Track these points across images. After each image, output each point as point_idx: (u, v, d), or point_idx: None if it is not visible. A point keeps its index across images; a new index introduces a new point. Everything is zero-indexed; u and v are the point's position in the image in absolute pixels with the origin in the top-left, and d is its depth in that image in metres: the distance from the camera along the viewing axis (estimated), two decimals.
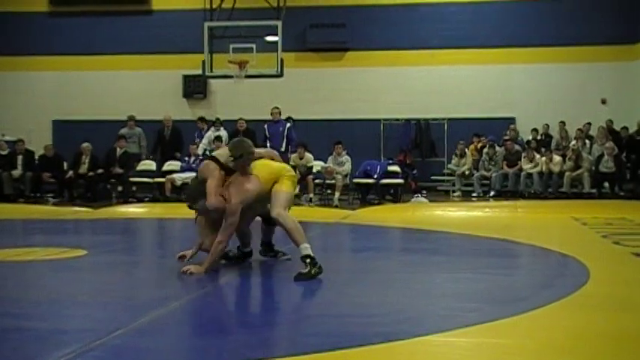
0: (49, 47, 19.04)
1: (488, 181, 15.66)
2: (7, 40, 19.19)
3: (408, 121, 17.85)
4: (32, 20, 19.25)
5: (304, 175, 13.92)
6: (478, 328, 4.05)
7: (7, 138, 16.35)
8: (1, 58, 19.25)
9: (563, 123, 16.61)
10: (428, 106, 17.73)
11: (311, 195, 13.93)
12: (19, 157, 15.29)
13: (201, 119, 16.61)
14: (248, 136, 15.28)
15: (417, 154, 17.68)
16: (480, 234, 8.84)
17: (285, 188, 5.70)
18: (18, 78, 19.24)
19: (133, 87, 18.70)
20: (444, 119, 17.72)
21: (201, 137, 16.00)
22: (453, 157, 16.63)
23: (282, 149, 14.96)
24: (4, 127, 17.87)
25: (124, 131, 16.00)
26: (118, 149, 15.19)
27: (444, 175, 17.11)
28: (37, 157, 15.59)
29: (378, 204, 14.04)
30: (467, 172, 16.09)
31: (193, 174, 14.14)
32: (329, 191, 14.71)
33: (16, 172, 15.02)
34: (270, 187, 5.72)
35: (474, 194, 15.49)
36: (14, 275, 6.14)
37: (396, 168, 15.27)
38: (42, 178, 15.07)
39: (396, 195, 15.01)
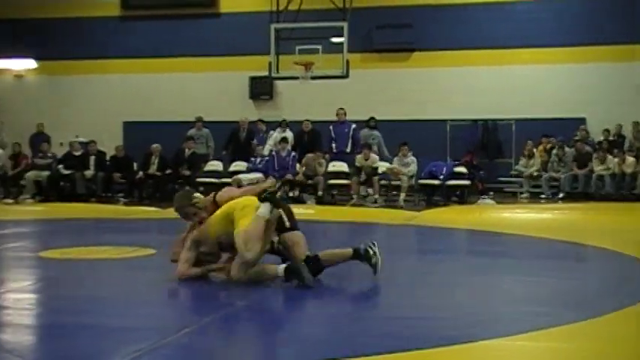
0: (120, 51, 19.48)
1: (557, 183, 15.35)
2: (80, 45, 19.71)
3: (474, 121, 17.64)
4: (104, 25, 19.72)
5: (370, 175, 13.89)
6: (548, 332, 3.96)
7: (81, 139, 16.73)
8: (74, 62, 19.80)
9: (636, 123, 16.16)
10: (495, 106, 17.47)
11: (376, 196, 13.88)
12: (92, 158, 15.63)
13: (260, 121, 16.74)
14: (313, 137, 15.42)
15: (483, 155, 17.44)
16: (549, 236, 8.67)
17: (236, 230, 5.17)
18: (90, 81, 19.74)
19: (200, 89, 18.96)
20: (511, 120, 17.44)
21: (260, 139, 16.11)
22: (521, 158, 16.35)
23: (348, 150, 15.01)
24: (77, 128, 18.35)
25: (192, 132, 16.24)
26: (187, 150, 15.42)
27: (511, 176, 16.83)
28: (108, 158, 15.92)
29: (444, 205, 13.89)
30: (535, 174, 15.80)
31: (260, 175, 14.39)
32: (394, 192, 14.63)
33: (89, 173, 15.37)
34: (226, 227, 5.28)
35: (543, 196, 15.21)
36: (87, 273, 6.29)
37: (462, 169, 15.10)
38: (113, 179, 15.40)
39: (462, 196, 14.83)
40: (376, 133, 15.63)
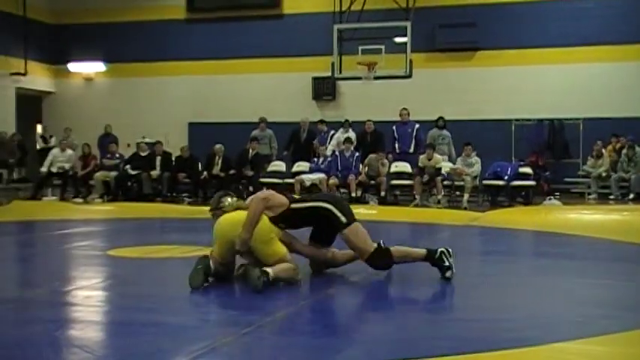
0: (186, 53, 19.80)
1: (626, 184, 14.96)
2: (147, 48, 20.12)
3: (540, 121, 17.33)
4: (170, 28, 20.07)
5: (433, 176, 13.79)
6: (614, 336, 3.88)
7: (147, 140, 17.03)
8: (141, 65, 20.21)
9: None
10: (562, 105, 17.14)
11: (439, 197, 13.77)
12: (158, 159, 15.87)
13: (322, 121, 16.78)
14: (375, 138, 15.39)
15: (549, 156, 17.11)
16: (617, 239, 8.47)
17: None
18: (157, 83, 20.12)
19: (264, 90, 19.12)
20: (578, 119, 17.08)
21: (322, 139, 16.15)
22: (589, 158, 15.97)
23: (411, 150, 14.92)
24: (144, 129, 18.72)
25: (255, 133, 16.38)
26: (250, 151, 15.55)
27: (578, 177, 16.48)
28: (173, 159, 16.16)
29: (509, 206, 13.69)
30: (604, 174, 15.42)
31: (322, 175, 14.43)
32: (458, 193, 14.49)
33: (155, 173, 15.61)
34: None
35: (612, 197, 14.84)
36: (152, 271, 6.42)
37: (527, 169, 14.85)
38: (178, 179, 15.62)
39: (527, 197, 14.60)
40: (445, 132, 15.49)
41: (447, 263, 5.46)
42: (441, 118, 15.61)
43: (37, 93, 21.42)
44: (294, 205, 5.54)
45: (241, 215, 5.38)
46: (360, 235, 5.44)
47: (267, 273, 5.09)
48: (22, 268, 7.14)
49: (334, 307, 4.69)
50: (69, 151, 16.16)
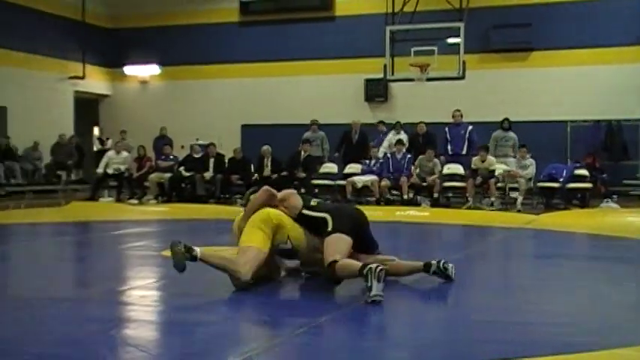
0: (239, 55, 20.00)
1: None
2: (201, 50, 20.38)
3: (597, 122, 17.00)
4: (224, 30, 20.28)
5: (486, 178, 13.65)
6: None
7: (200, 142, 17.21)
8: (195, 67, 20.48)
9: None
10: (619, 106, 16.79)
11: (492, 199, 13.61)
12: (211, 160, 16.03)
13: (381, 123, 16.74)
14: (427, 140, 15.27)
15: (607, 157, 16.77)
16: None
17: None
18: (210, 85, 20.37)
19: (316, 92, 19.18)
20: (637, 120, 16.71)
21: (379, 140, 16.12)
22: None
23: (463, 152, 14.75)
24: (197, 131, 18.95)
25: (307, 135, 16.42)
26: (302, 153, 15.60)
27: (637, 179, 16.12)
28: (226, 160, 16.29)
29: (564, 209, 13.46)
30: None
31: (374, 177, 14.40)
32: (512, 195, 14.29)
33: (208, 175, 15.76)
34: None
35: None
36: (205, 272, 6.48)
37: (583, 172, 14.54)
38: (231, 180, 15.74)
39: (583, 200, 14.32)
40: (511, 134, 15.00)
41: (368, 283, 4.71)
42: (506, 119, 15.12)
43: (95, 96, 21.88)
44: (304, 211, 5.56)
45: (267, 211, 5.39)
46: (331, 244, 5.23)
47: (192, 250, 5.06)
48: (78, 267, 7.28)
49: (381, 311, 4.66)
50: (124, 153, 16.41)
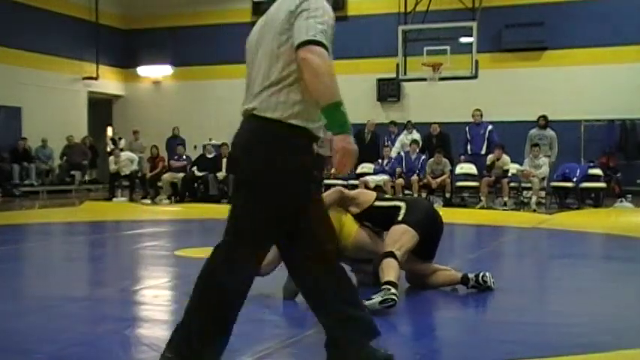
0: None
1: None
2: (214, 51, 20.40)
3: (611, 121, 16.91)
4: (236, 30, 20.21)
5: (499, 177, 13.60)
6: None
7: (213, 142, 17.24)
8: (208, 67, 20.52)
9: None
10: (634, 105, 16.67)
11: (506, 199, 13.57)
12: (224, 160, 16.05)
13: (392, 123, 16.72)
14: (441, 140, 15.24)
15: (621, 157, 16.67)
16: None
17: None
18: (222, 85, 20.34)
19: None
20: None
21: (391, 141, 16.10)
22: None
23: (483, 152, 14.64)
24: (210, 132, 18.98)
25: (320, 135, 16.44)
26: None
27: None
28: None
29: (578, 209, 13.40)
30: None
31: (386, 177, 14.39)
32: (525, 195, 14.24)
33: (221, 174, 15.80)
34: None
35: None
36: None
37: (597, 171, 14.45)
38: None
39: (597, 199, 14.25)
40: (548, 132, 14.63)
41: (373, 295, 4.47)
42: (542, 117, 14.83)
43: (108, 96, 21.99)
44: (376, 203, 5.33)
45: None
46: (393, 234, 4.97)
47: None
48: (93, 267, 7.33)
49: (395, 311, 4.66)
50: (127, 154, 16.59)
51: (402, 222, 4.97)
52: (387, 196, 5.60)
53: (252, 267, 3.16)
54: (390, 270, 4.61)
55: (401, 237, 4.88)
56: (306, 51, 2.96)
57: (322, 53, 3.02)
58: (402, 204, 5.18)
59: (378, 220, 5.25)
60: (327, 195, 5.23)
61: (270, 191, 2.98)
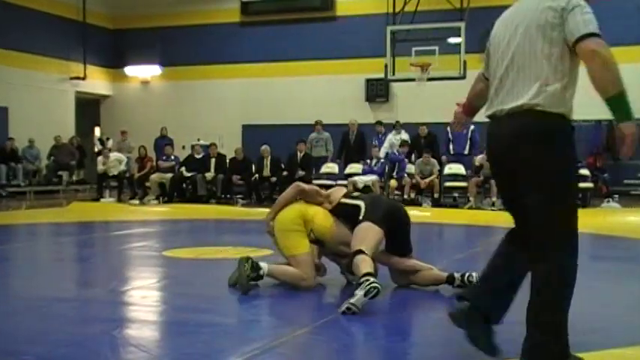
0: (240, 55, 19.99)
1: None
2: (202, 51, 20.38)
3: (598, 122, 16.98)
4: (225, 31, 20.28)
5: (488, 178, 13.64)
6: None
7: (202, 142, 17.21)
8: (196, 68, 20.48)
9: None
10: None
11: (494, 199, 13.60)
12: (212, 161, 16.04)
13: (379, 123, 16.74)
14: (429, 140, 15.27)
15: (608, 157, 16.75)
16: None
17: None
18: (211, 86, 20.37)
19: (317, 92, 19.17)
20: (638, 119, 16.65)
21: (379, 141, 16.12)
22: None
23: (465, 152, 14.76)
24: (198, 132, 18.95)
25: (313, 136, 16.51)
26: (299, 152, 15.61)
27: (638, 179, 16.09)
28: (227, 161, 16.29)
29: None
30: None
31: (375, 177, 14.40)
32: None
33: (209, 175, 15.78)
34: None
35: None
36: (206, 272, 6.49)
37: (584, 171, 14.55)
38: (232, 180, 15.74)
39: (584, 200, 14.31)
40: None
41: (355, 291, 4.54)
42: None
43: (96, 96, 21.91)
44: (342, 200, 5.47)
45: (292, 208, 5.40)
46: (358, 233, 5.08)
47: (258, 268, 5.11)
48: (81, 268, 7.29)
49: (386, 311, 4.65)
50: (116, 155, 16.58)
51: (364, 220, 5.13)
52: (354, 194, 5.63)
53: None
54: (363, 264, 4.70)
55: (365, 234, 5.03)
56: (592, 43, 3.27)
57: (606, 46, 3.29)
58: (362, 203, 5.31)
59: (344, 216, 5.37)
60: (286, 192, 5.52)
61: (564, 183, 3.42)
